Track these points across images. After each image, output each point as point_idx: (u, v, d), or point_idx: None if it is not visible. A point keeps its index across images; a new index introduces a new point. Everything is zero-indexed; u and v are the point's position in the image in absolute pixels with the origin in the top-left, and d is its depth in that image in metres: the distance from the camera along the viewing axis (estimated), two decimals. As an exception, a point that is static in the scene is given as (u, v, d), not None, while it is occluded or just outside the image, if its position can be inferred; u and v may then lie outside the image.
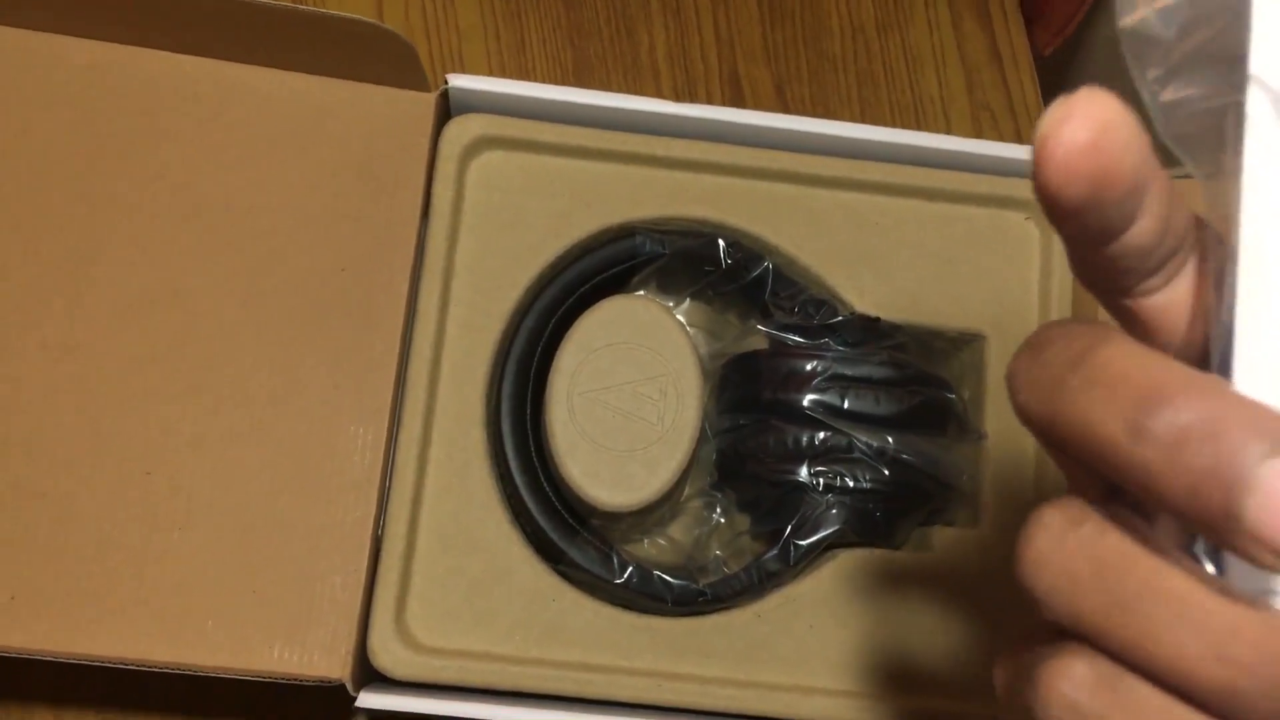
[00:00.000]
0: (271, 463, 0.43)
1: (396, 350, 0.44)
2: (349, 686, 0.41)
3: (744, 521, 0.47)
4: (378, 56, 0.45)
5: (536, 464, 0.45)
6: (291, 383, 0.44)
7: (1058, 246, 0.49)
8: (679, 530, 0.48)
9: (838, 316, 0.47)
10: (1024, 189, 0.49)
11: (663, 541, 0.47)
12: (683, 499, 0.48)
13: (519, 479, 0.44)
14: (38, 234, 0.44)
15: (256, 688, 0.50)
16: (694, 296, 0.50)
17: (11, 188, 0.44)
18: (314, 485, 0.43)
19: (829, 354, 0.46)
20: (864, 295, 0.48)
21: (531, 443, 0.45)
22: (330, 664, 0.41)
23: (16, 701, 0.49)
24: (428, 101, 0.46)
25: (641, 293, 0.48)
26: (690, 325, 0.50)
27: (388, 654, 0.42)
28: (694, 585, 0.44)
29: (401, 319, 0.45)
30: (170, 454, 0.43)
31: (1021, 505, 0.47)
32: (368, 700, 0.42)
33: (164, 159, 0.45)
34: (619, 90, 0.55)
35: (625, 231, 0.47)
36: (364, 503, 0.43)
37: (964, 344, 0.49)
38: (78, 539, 0.41)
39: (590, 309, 0.45)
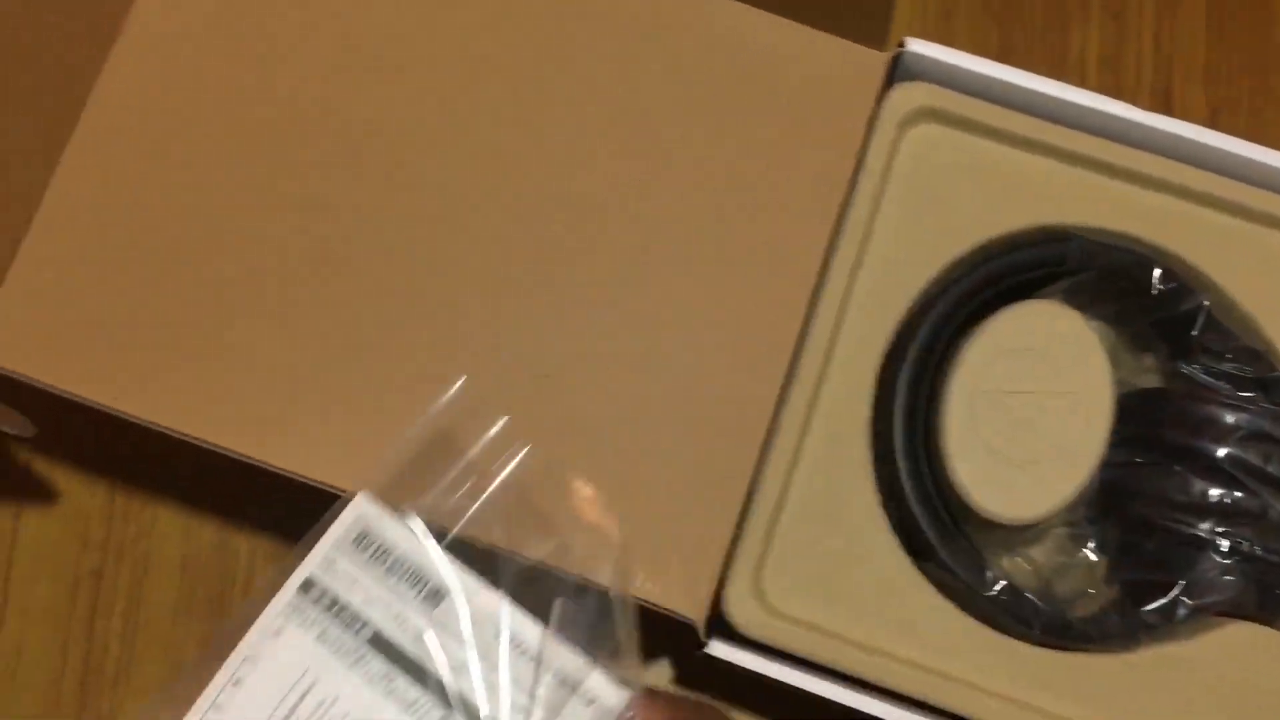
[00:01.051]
0: (662, 393, 0.43)
1: (803, 310, 0.43)
2: (699, 631, 0.41)
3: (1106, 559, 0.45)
4: (846, 3, 0.44)
5: (922, 454, 0.43)
6: (693, 317, 0.43)
7: None
8: (1039, 554, 0.46)
9: (1274, 373, 0.43)
10: None
11: (1021, 561, 0.45)
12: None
13: (901, 465, 0.43)
14: (455, 132, 0.44)
15: None
16: (1107, 318, 0.47)
17: (441, 83, 0.45)
18: (700, 425, 0.42)
19: (1255, 409, 0.42)
20: (1299, 354, 0.44)
21: (921, 432, 0.43)
22: (686, 604, 0.41)
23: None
24: (880, 61, 0.45)
25: (1055, 301, 0.46)
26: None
27: (742, 610, 0.42)
28: (1065, 616, 0.42)
29: (814, 277, 0.44)
30: (565, 362, 0.43)
31: None
32: (718, 649, 0.41)
33: (604, 74, 0.45)
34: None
35: (1057, 235, 0.45)
36: (746, 450, 0.42)
37: None
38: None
39: (1010, 307, 0.43)
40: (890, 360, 0.44)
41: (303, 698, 0.34)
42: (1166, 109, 0.54)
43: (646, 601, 0.40)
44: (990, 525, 0.43)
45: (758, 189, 0.44)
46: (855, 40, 0.45)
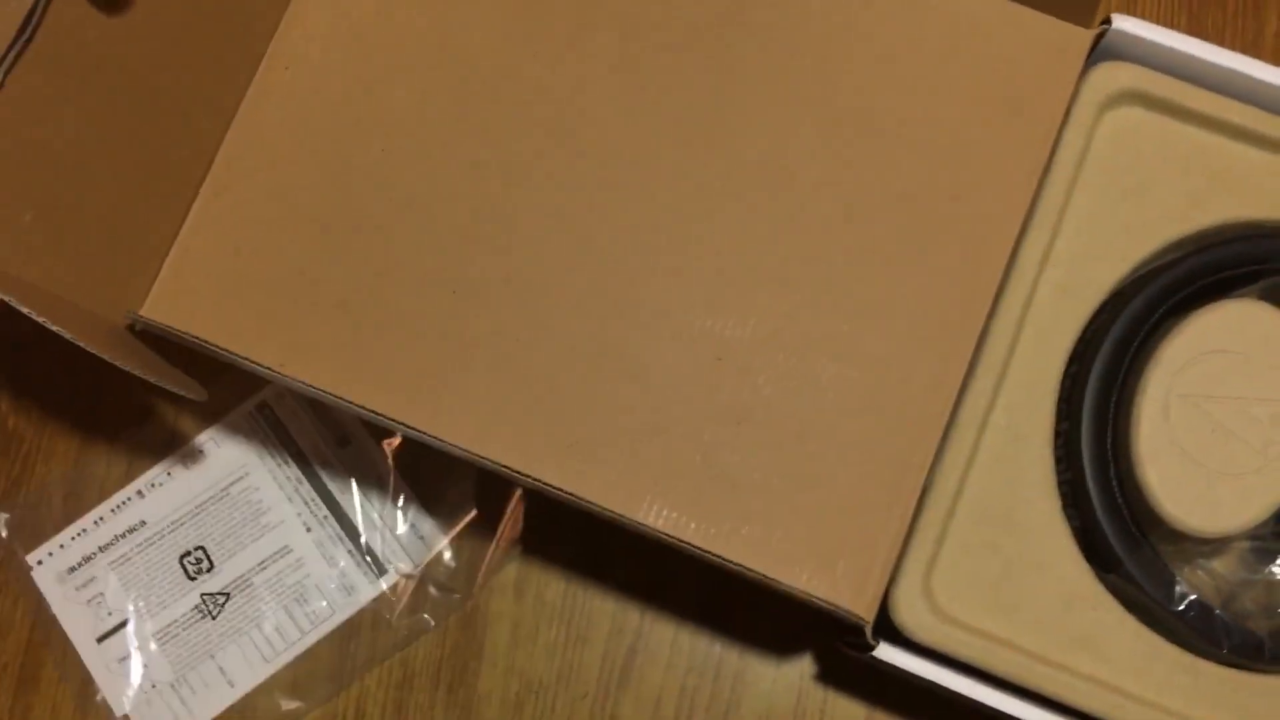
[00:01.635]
0: (840, 379, 0.41)
1: (989, 299, 0.41)
2: (868, 633, 0.39)
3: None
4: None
5: (1110, 459, 0.41)
6: (878, 302, 0.41)
7: None
8: (1221, 567, 0.43)
9: None
10: None
11: (1202, 575, 0.43)
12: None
13: (1088, 469, 0.41)
14: (636, 103, 0.43)
15: (714, 593, 0.49)
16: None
17: (624, 54, 0.43)
18: (878, 414, 0.40)
19: None
20: None
21: (1110, 435, 0.41)
22: (856, 602, 0.39)
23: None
24: (1083, 39, 0.42)
25: (1260, 302, 0.43)
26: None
27: (911, 613, 0.40)
28: (1258, 636, 0.39)
29: (1002, 265, 0.41)
30: (743, 345, 0.41)
31: None
32: (887, 654, 0.39)
33: (794, 45, 0.43)
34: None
35: (1265, 230, 0.42)
36: (923, 445, 0.40)
37: None
38: (644, 408, 0.40)
39: (1212, 306, 0.41)
40: (1080, 356, 0.42)
41: (236, 480, 0.51)
42: (1369, 100, 0.50)
43: (814, 597, 0.39)
44: (1175, 536, 0.40)
45: (949, 169, 0.42)
46: (1061, 16, 0.42)
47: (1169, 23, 0.52)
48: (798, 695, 0.48)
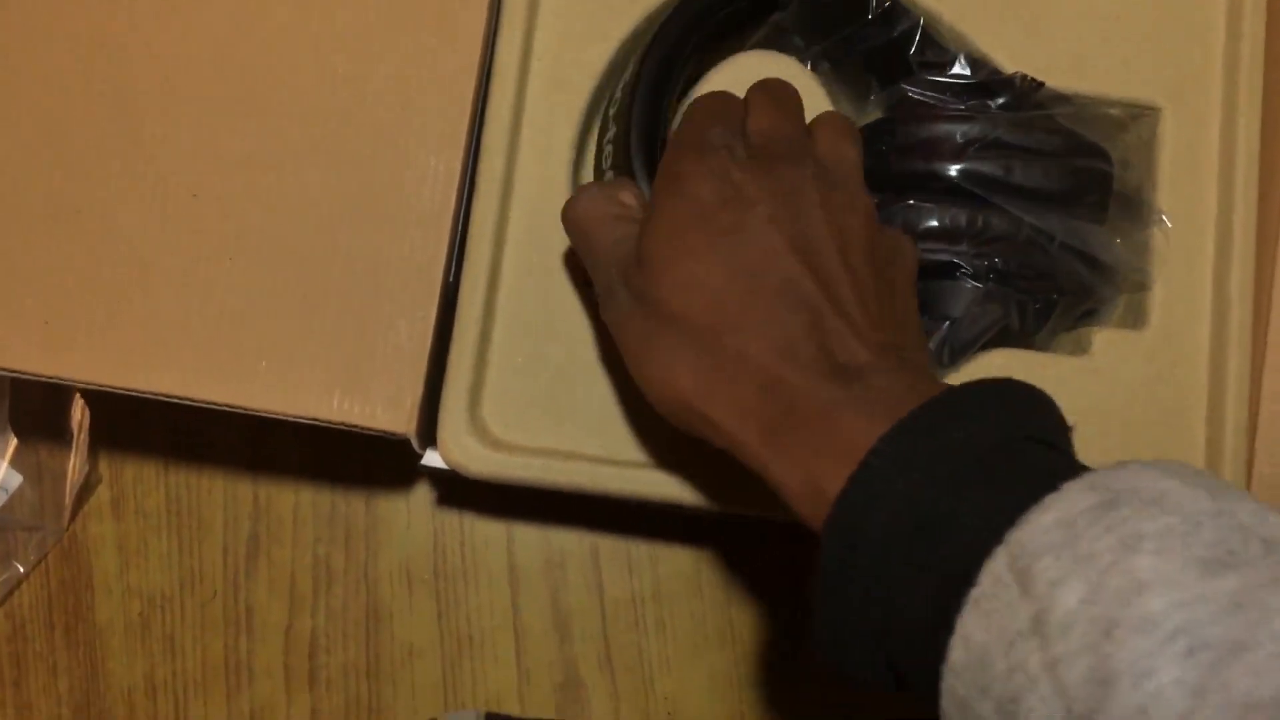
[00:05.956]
0: (332, 189, 0.36)
1: (475, 75, 0.36)
2: (414, 443, 0.35)
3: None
4: None
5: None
6: (352, 103, 0.36)
7: (1249, 5, 0.39)
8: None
9: (999, 74, 0.38)
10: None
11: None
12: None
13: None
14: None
15: (319, 440, 0.44)
16: (821, 55, 0.40)
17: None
18: (378, 217, 0.35)
19: (984, 117, 0.37)
20: (1016, 59, 0.39)
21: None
22: (394, 418, 0.34)
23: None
24: None
25: (772, 52, 0.39)
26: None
27: (459, 450, 0.35)
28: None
29: (477, 52, 0.36)
30: (219, 174, 0.35)
31: (1196, 305, 0.38)
32: (435, 459, 0.36)
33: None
34: None
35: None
36: (433, 241, 0.35)
37: (1134, 118, 0.40)
38: (117, 262, 0.35)
39: (722, 64, 0.37)
40: (612, 120, 0.38)
41: None
42: None
43: (345, 424, 0.34)
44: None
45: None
46: None
47: None
48: (434, 530, 0.44)
